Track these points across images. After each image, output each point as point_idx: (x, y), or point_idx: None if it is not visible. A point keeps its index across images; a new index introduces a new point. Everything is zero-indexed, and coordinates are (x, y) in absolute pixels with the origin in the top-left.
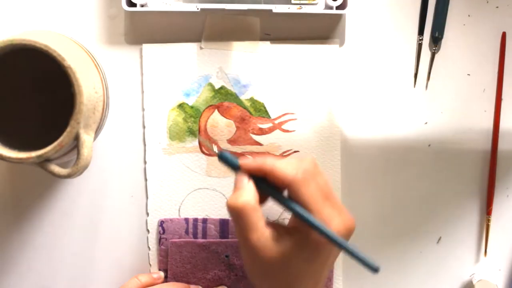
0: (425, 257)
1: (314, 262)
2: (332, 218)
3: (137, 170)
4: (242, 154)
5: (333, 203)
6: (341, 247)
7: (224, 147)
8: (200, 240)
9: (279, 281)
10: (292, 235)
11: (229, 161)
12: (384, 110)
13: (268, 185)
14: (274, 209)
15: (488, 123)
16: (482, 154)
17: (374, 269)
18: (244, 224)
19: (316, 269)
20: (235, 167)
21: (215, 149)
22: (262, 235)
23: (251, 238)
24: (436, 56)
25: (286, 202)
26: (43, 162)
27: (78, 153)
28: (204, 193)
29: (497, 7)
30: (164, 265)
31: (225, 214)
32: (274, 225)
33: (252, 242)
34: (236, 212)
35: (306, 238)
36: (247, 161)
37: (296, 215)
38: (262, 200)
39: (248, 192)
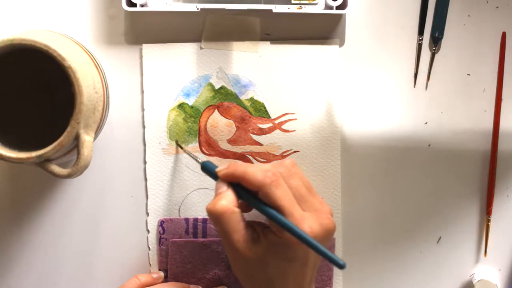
0: (425, 257)
1: (293, 261)
2: (304, 218)
3: (137, 170)
4: (242, 155)
5: (310, 204)
6: (309, 244)
7: (224, 147)
8: (200, 239)
9: (261, 280)
10: (268, 235)
11: (209, 170)
12: (384, 110)
13: (244, 190)
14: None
15: (488, 123)
16: (482, 154)
17: (341, 266)
18: (223, 227)
19: (296, 269)
20: (215, 176)
21: (199, 160)
22: (241, 236)
23: (231, 240)
24: (436, 56)
25: (257, 205)
26: (43, 162)
27: (78, 153)
28: (204, 193)
29: (497, 7)
30: (164, 265)
31: None
32: (255, 226)
33: (232, 244)
34: (215, 216)
35: (280, 238)
36: (221, 168)
37: (267, 216)
38: (248, 207)
39: (226, 196)
